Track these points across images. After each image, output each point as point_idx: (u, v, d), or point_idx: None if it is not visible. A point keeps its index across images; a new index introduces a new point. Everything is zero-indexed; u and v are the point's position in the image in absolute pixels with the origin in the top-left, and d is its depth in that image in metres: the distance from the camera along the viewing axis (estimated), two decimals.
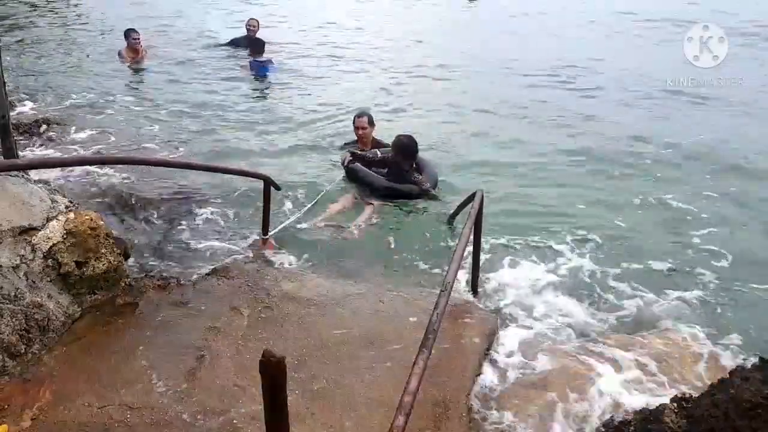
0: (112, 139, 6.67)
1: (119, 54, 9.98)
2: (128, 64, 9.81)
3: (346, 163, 5.38)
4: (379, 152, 5.52)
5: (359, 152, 5.49)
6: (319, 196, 5.20)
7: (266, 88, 9.02)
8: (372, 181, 5.23)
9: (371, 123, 5.83)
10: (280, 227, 4.69)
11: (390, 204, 5.22)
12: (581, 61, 10.80)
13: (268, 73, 9.48)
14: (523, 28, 14.24)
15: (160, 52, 10.58)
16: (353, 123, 5.91)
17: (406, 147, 5.15)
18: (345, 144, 6.17)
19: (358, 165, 5.35)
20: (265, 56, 9.93)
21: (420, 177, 5.21)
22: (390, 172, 5.29)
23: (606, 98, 8.91)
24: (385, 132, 6.17)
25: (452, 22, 14.92)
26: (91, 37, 11.81)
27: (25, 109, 7.37)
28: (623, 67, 10.45)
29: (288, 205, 5.17)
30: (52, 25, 12.78)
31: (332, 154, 6.43)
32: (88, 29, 12.54)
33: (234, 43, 10.85)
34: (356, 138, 5.95)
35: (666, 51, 10.84)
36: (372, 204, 5.19)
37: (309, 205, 5.03)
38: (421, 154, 5.39)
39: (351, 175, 5.36)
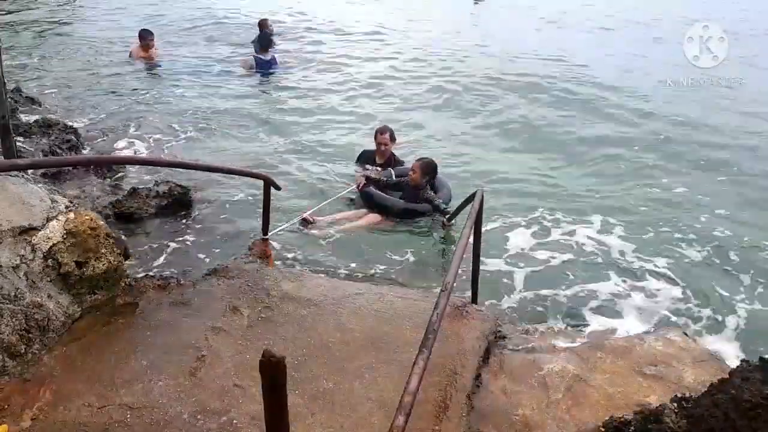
0: (114, 138, 6.68)
1: (130, 54, 10.02)
2: (139, 62, 9.85)
3: (360, 187, 5.39)
4: (393, 173, 5.54)
5: (373, 175, 5.50)
6: (324, 203, 5.19)
7: (270, 89, 9.02)
8: (388, 203, 5.24)
9: (393, 139, 5.92)
10: (279, 228, 4.68)
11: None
12: (581, 56, 10.90)
13: (271, 70, 9.54)
14: (524, 24, 14.32)
15: (170, 52, 10.59)
16: (375, 137, 5.95)
17: (435, 169, 5.26)
18: (363, 152, 6.19)
19: (372, 189, 5.36)
20: (270, 54, 9.94)
21: (434, 194, 5.25)
22: (405, 193, 5.32)
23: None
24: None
25: (458, 22, 14.94)
26: (100, 36, 11.79)
27: (28, 109, 7.37)
28: (625, 62, 10.56)
29: (289, 205, 5.17)
30: (61, 25, 12.78)
31: (332, 155, 6.44)
32: (98, 28, 12.54)
33: (251, 43, 10.93)
34: (375, 149, 5.99)
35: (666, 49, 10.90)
36: (382, 217, 5.21)
37: (310, 211, 5.02)
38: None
39: (366, 199, 5.36)
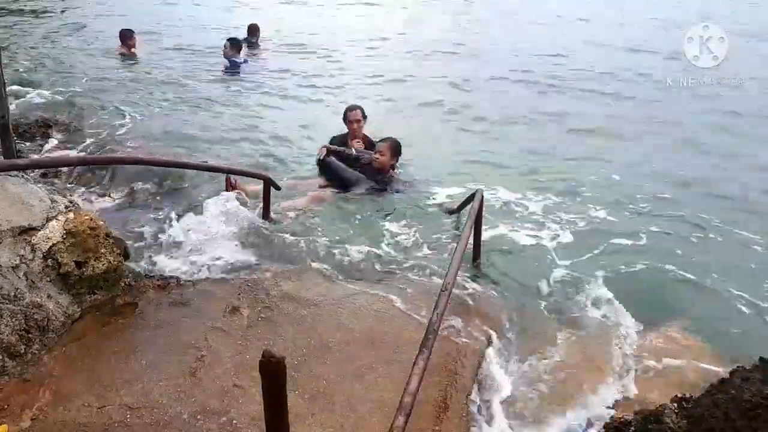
0: (113, 138, 6.66)
1: (121, 54, 10.00)
2: (126, 61, 9.84)
3: (321, 158, 5.39)
4: (354, 150, 5.51)
5: (337, 147, 5.48)
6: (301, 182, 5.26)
7: (266, 89, 9.01)
8: (347, 175, 5.26)
9: (364, 116, 5.76)
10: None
11: (376, 197, 5.24)
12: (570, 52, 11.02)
13: (245, 71, 9.66)
14: (515, 22, 14.37)
15: (156, 52, 10.58)
16: (344, 117, 5.80)
17: (400, 147, 5.35)
18: (334, 138, 5.96)
19: (332, 159, 5.38)
20: (242, 55, 9.91)
21: (397, 172, 5.33)
22: (366, 170, 5.35)
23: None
24: (374, 129, 6.20)
25: (447, 17, 14.97)
26: (86, 36, 11.78)
27: (28, 109, 7.36)
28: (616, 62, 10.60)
29: (288, 206, 5.15)
30: (47, 26, 12.75)
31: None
32: (82, 29, 12.52)
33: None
34: (348, 132, 5.81)
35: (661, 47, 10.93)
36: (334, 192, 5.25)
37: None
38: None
39: (325, 170, 5.39)
